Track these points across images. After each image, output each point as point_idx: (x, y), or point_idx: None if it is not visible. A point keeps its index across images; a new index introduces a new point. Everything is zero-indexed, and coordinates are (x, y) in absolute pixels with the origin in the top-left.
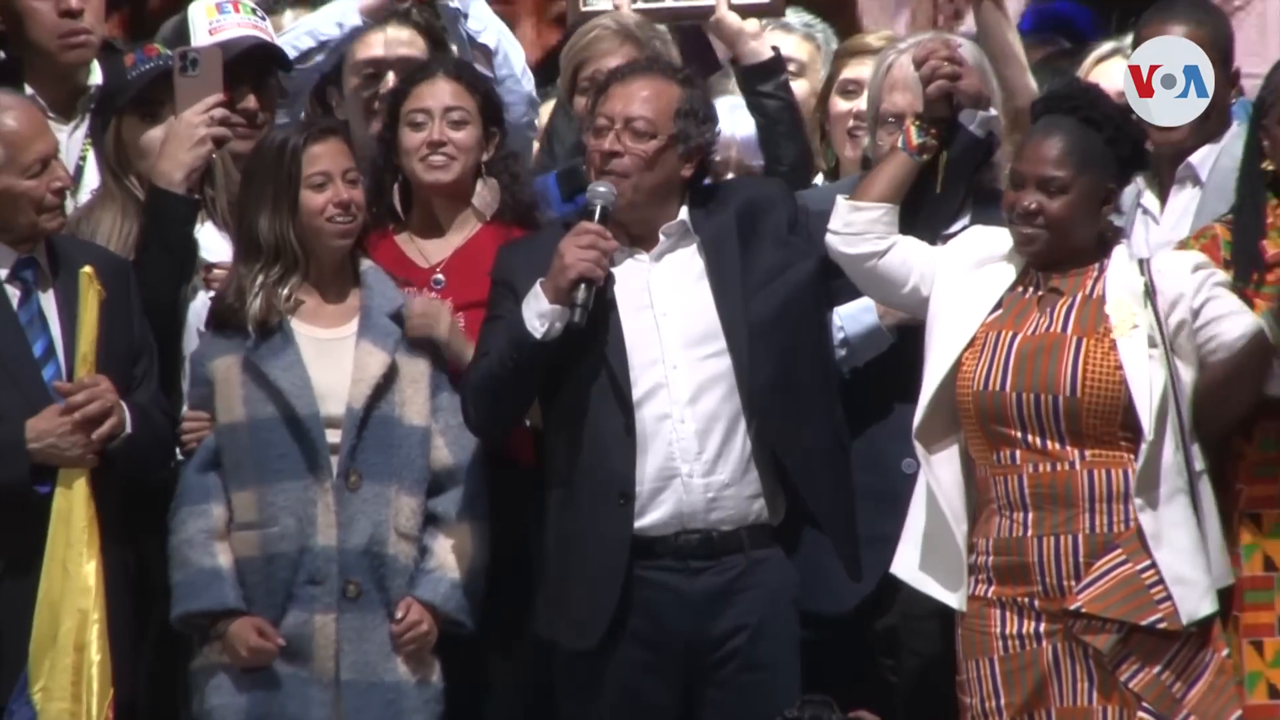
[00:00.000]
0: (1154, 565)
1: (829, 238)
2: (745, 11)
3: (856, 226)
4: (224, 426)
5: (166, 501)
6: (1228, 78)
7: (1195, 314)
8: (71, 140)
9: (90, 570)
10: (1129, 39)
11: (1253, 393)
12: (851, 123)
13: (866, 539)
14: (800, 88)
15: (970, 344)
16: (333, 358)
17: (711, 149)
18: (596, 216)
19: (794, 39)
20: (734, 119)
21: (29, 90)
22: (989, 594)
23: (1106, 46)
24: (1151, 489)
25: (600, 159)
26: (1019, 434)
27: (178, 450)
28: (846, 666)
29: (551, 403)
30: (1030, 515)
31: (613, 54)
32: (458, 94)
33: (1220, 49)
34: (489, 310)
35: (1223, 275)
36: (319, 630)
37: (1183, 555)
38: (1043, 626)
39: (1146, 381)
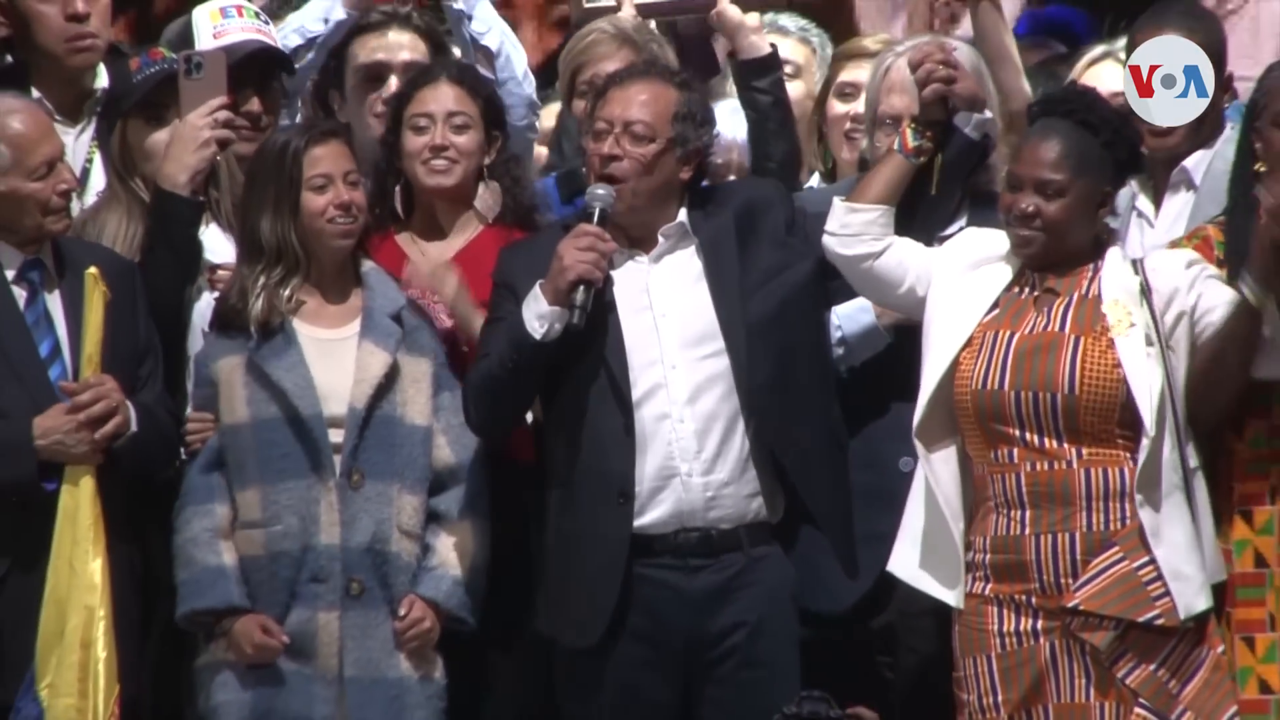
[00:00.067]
0: (1150, 562)
1: (825, 239)
2: (747, 5)
3: (852, 228)
4: (228, 426)
5: (171, 500)
6: (1221, 82)
7: (1193, 308)
8: (78, 143)
9: (96, 568)
10: (1120, 42)
11: (1242, 369)
12: (848, 125)
13: (863, 537)
14: (796, 89)
15: (967, 344)
16: (335, 358)
17: (709, 151)
18: (595, 219)
19: (790, 42)
20: (735, 122)
21: (36, 93)
22: (986, 591)
23: (1098, 50)
24: (1151, 486)
25: (599, 162)
26: (1017, 432)
27: (182, 450)
28: (844, 664)
29: (551, 403)
30: (1028, 513)
31: (610, 58)
32: (460, 99)
33: (1213, 53)
34: (490, 312)
35: (1215, 270)
36: (322, 627)
37: (1180, 551)
38: (1040, 624)
39: (1146, 379)
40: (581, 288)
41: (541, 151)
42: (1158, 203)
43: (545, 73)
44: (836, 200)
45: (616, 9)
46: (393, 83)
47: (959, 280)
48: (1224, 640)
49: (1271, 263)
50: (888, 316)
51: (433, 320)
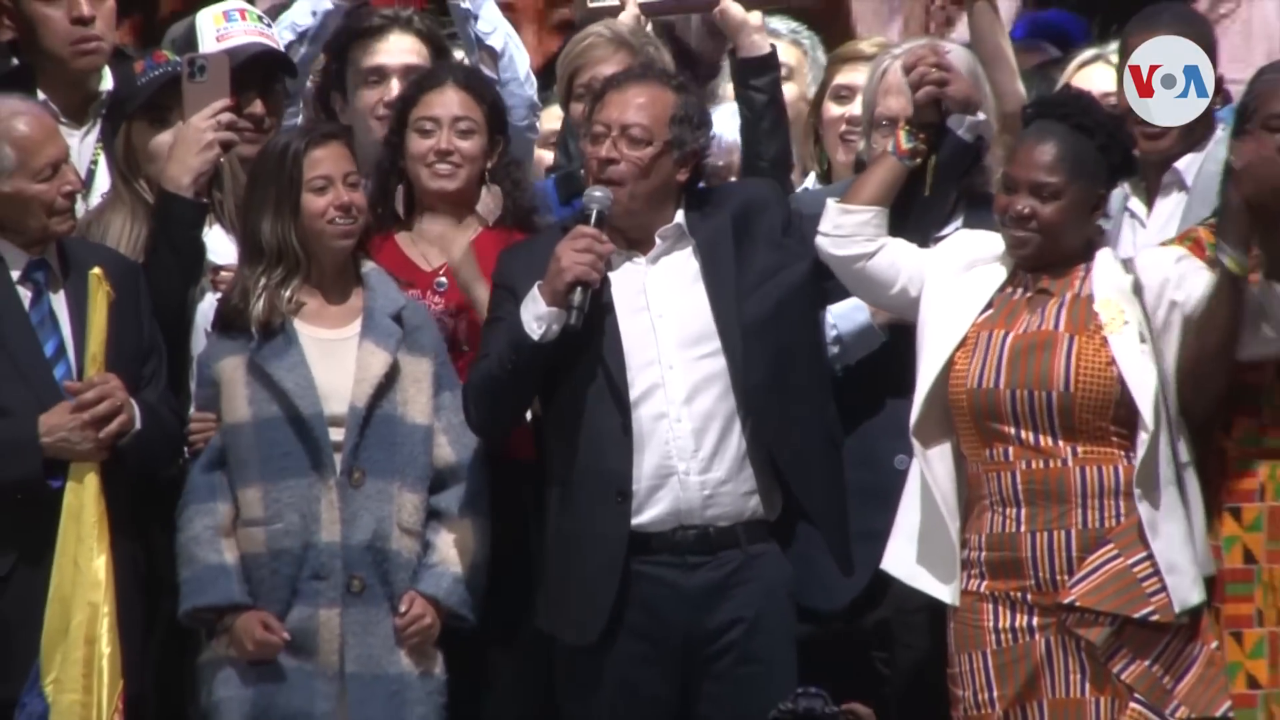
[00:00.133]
0: (1146, 559)
1: (819, 239)
2: (750, 4)
3: (846, 229)
4: (229, 426)
5: (174, 498)
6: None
7: (1183, 298)
8: (83, 145)
9: (100, 565)
10: (1111, 46)
11: (1228, 344)
12: (844, 127)
13: (859, 534)
14: (788, 91)
15: (962, 343)
16: (336, 358)
17: (706, 153)
18: (593, 220)
19: (781, 44)
20: (736, 125)
21: (41, 96)
22: (981, 588)
23: (1089, 52)
24: (1149, 481)
25: (597, 166)
26: (1012, 430)
27: (185, 449)
28: (840, 660)
29: (550, 403)
30: (1023, 511)
31: (607, 61)
32: (466, 104)
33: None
34: (490, 312)
35: (1204, 264)
36: (323, 624)
37: (1175, 545)
38: (1035, 620)
39: (1141, 375)
40: (579, 289)
41: (541, 152)
42: (1150, 204)
43: (545, 75)
44: (830, 201)
45: (620, 8)
46: (394, 86)
47: (953, 281)
48: (1216, 636)
49: (1246, 225)
50: (882, 315)
51: (434, 320)
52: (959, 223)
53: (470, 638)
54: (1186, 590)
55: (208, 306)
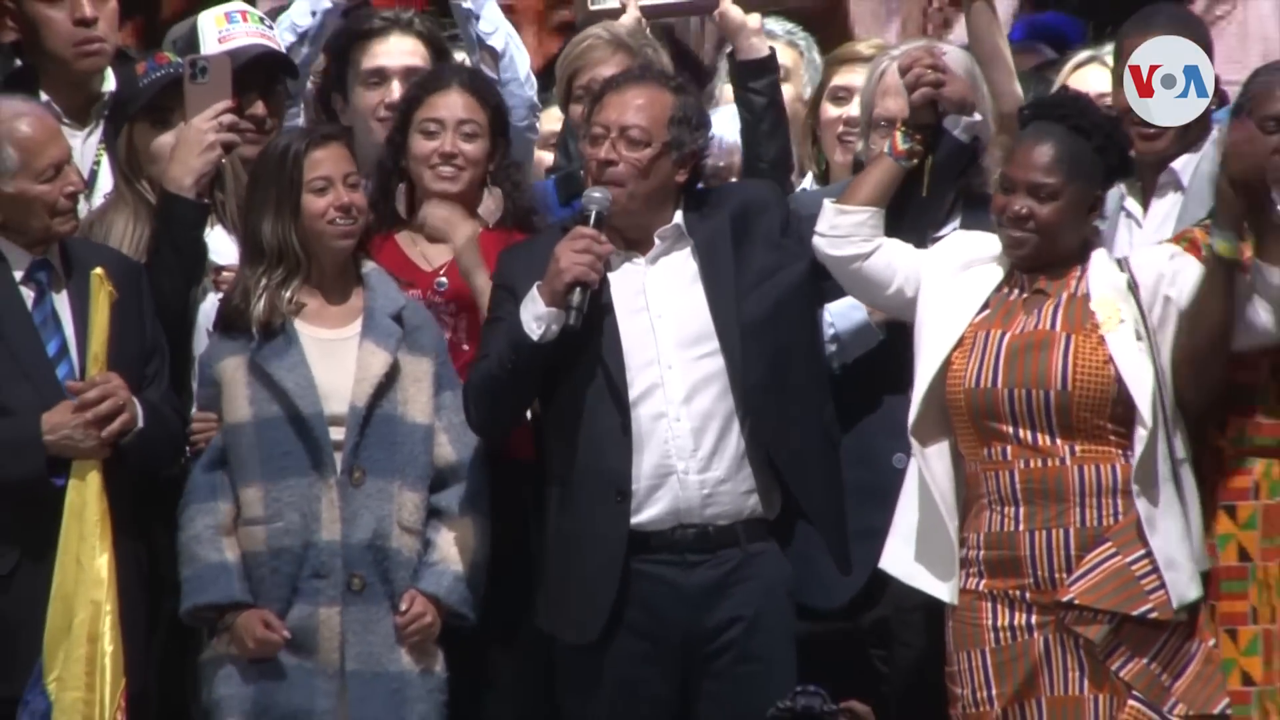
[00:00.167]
0: (1144, 556)
1: (815, 240)
2: (748, 6)
3: (842, 229)
4: (230, 425)
5: (177, 497)
6: None
7: (1180, 293)
8: (86, 145)
9: (103, 563)
10: (1106, 47)
11: (1223, 330)
12: (842, 128)
13: (857, 533)
14: (785, 92)
15: (959, 344)
16: (336, 358)
17: (704, 154)
18: (591, 221)
19: (778, 45)
20: (736, 126)
21: (44, 97)
22: (980, 587)
23: (1084, 54)
24: (1147, 477)
25: (597, 167)
26: (1010, 429)
27: (187, 449)
28: (839, 658)
29: (550, 403)
30: (1021, 510)
31: (606, 63)
32: (471, 107)
33: None
34: (490, 313)
35: (1197, 260)
36: (324, 622)
37: (1173, 540)
38: (1034, 618)
39: (1138, 372)
40: (577, 289)
41: (541, 154)
42: (1146, 204)
43: (545, 77)
44: (827, 202)
45: (621, 11)
46: (394, 87)
47: (949, 282)
48: (1213, 633)
49: (1238, 206)
50: (879, 313)
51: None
52: (957, 223)
53: (471, 636)
54: (1184, 586)
55: (210, 307)
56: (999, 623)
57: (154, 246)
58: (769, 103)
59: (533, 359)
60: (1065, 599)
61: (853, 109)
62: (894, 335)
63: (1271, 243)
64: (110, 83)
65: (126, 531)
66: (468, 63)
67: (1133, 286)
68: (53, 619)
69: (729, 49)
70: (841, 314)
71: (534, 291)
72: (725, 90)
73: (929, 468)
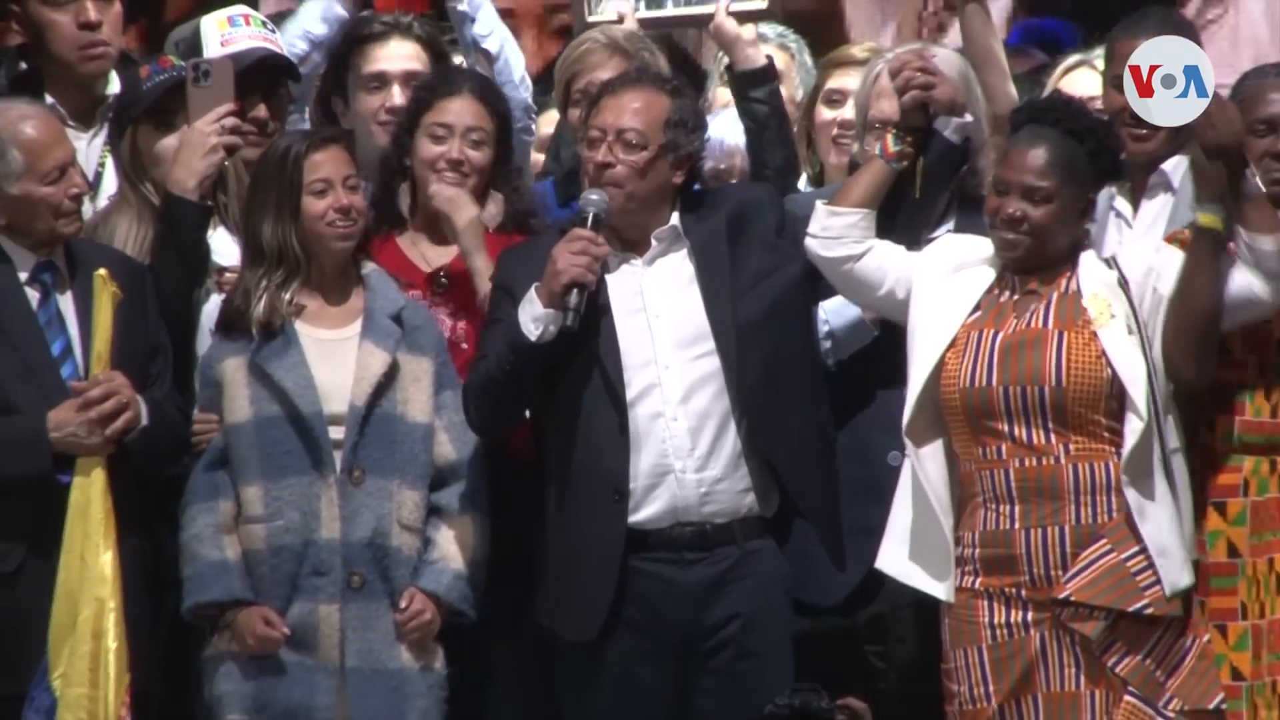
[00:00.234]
0: (1139, 552)
1: (807, 241)
2: (742, 17)
3: (834, 231)
4: (231, 425)
5: (181, 495)
6: None
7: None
8: (91, 148)
9: (107, 561)
10: (1096, 51)
11: (1214, 308)
12: (836, 131)
13: (854, 529)
14: None
15: (952, 344)
16: (336, 358)
17: (701, 155)
18: (589, 223)
19: (769, 48)
20: (738, 129)
21: (50, 99)
22: (976, 585)
23: (1074, 58)
24: (1138, 466)
25: (594, 170)
26: (1006, 427)
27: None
28: (836, 654)
29: (548, 403)
30: (1017, 508)
31: (603, 66)
32: (479, 115)
33: None
34: (489, 314)
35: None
36: (324, 620)
37: (1164, 528)
38: (1030, 615)
39: (1131, 365)
40: (574, 291)
41: (537, 156)
42: (1136, 205)
43: (545, 80)
44: (818, 204)
45: (619, 24)
46: (395, 91)
47: (941, 283)
48: (1207, 629)
49: (1215, 178)
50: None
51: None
52: (951, 224)
53: (472, 633)
54: (1176, 574)
55: (213, 308)
56: (995, 620)
57: (157, 247)
58: (771, 110)
59: (531, 360)
60: (1062, 596)
61: (847, 112)
62: (888, 332)
63: (1251, 210)
64: (115, 86)
65: (131, 529)
66: (464, 65)
67: (1123, 283)
68: (57, 616)
69: (725, 59)
70: (836, 311)
71: (532, 293)
72: (718, 94)
73: (923, 468)
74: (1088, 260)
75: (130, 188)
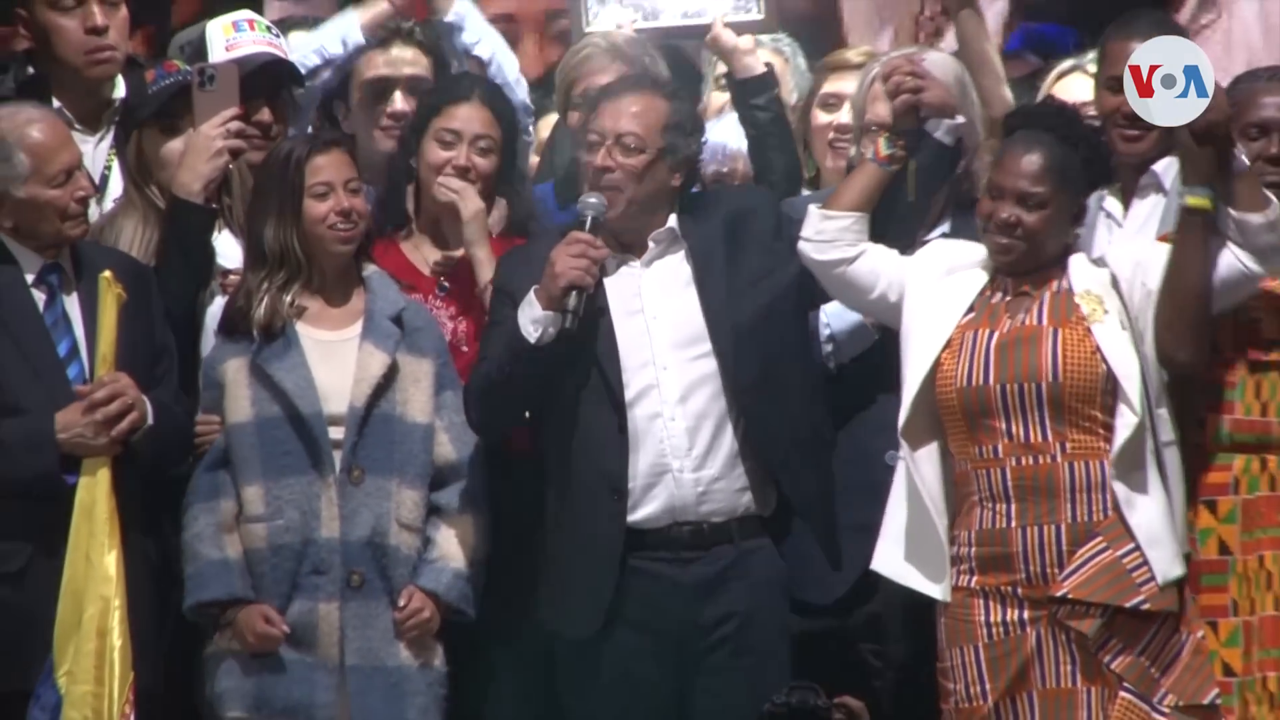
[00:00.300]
0: (1134, 549)
1: (800, 244)
2: (739, 29)
3: (827, 234)
4: (232, 425)
5: (184, 495)
6: None
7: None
8: (97, 151)
9: (112, 560)
10: (1089, 56)
11: (1204, 287)
12: (832, 135)
13: (851, 529)
14: None
15: (947, 345)
16: (336, 359)
17: (699, 158)
18: (587, 226)
19: (763, 53)
20: (740, 133)
21: (56, 103)
22: (972, 584)
23: (1067, 63)
24: (1128, 458)
25: (593, 173)
26: (1003, 426)
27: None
28: (833, 653)
29: (547, 403)
30: (1013, 507)
31: (603, 71)
32: (487, 122)
33: None
34: (490, 316)
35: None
36: (323, 618)
37: (1155, 519)
38: (1026, 613)
39: (1125, 360)
40: (573, 293)
41: (535, 158)
42: (1126, 205)
43: (545, 84)
44: (812, 207)
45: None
46: (397, 97)
47: (934, 286)
48: (1201, 625)
49: (1202, 160)
50: None
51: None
52: (946, 226)
53: (472, 631)
54: (1168, 564)
55: (217, 309)
56: (991, 619)
57: (162, 250)
58: (773, 117)
59: (530, 362)
60: (1058, 594)
61: (843, 115)
62: (886, 334)
63: (1240, 188)
64: (121, 90)
65: (136, 528)
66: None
67: (1114, 280)
68: (63, 614)
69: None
70: (837, 314)
71: (531, 295)
72: (714, 98)
73: (918, 470)
74: (1077, 262)
75: (136, 191)
